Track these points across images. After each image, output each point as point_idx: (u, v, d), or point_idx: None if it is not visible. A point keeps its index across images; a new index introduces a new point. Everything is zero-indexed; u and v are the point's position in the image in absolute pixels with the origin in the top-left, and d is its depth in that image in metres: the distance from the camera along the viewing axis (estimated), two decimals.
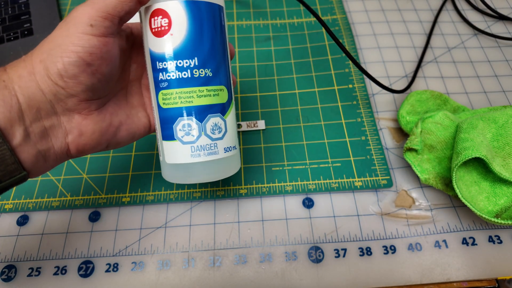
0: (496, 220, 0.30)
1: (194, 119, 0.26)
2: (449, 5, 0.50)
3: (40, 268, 0.31)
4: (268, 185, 0.35)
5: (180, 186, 0.35)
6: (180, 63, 0.25)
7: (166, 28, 0.24)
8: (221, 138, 0.27)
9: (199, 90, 0.26)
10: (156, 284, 0.31)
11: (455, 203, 0.35)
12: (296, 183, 0.35)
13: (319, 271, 0.31)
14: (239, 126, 0.39)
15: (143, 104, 0.29)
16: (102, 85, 0.24)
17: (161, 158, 0.28)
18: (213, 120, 0.26)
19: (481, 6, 0.50)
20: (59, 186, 0.35)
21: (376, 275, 0.31)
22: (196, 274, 0.31)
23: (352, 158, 0.37)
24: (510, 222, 0.29)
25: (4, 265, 0.31)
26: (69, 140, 0.24)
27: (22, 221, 0.33)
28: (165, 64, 0.25)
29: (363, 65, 0.44)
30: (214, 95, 0.26)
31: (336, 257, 0.32)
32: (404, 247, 0.32)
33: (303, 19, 0.48)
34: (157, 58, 0.25)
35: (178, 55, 0.25)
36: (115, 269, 0.31)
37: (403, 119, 0.37)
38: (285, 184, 0.35)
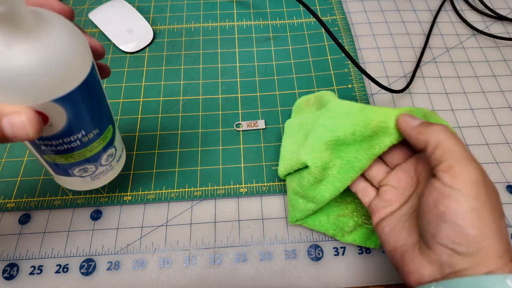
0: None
1: (89, 164, 0.27)
2: (448, 6, 0.50)
3: (42, 266, 0.31)
4: (268, 184, 0.35)
5: (181, 185, 0.35)
6: (65, 139, 0.23)
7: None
8: (114, 159, 0.29)
9: (91, 147, 0.25)
10: (157, 282, 0.31)
11: None
12: None
13: (318, 269, 0.31)
14: (239, 125, 0.39)
15: None
16: None
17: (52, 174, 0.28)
18: (107, 153, 0.27)
19: (480, 6, 0.50)
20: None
21: (375, 273, 0.31)
22: (197, 272, 0.31)
23: None
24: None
25: (6, 263, 0.31)
26: None
27: (24, 219, 0.34)
28: (47, 143, 0.23)
29: (362, 65, 0.44)
30: (104, 139, 0.26)
31: (335, 255, 0.32)
32: None
33: (302, 20, 0.48)
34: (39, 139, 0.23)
35: (60, 136, 0.23)
36: (116, 267, 0.31)
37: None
38: (285, 183, 0.35)
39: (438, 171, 0.23)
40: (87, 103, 0.23)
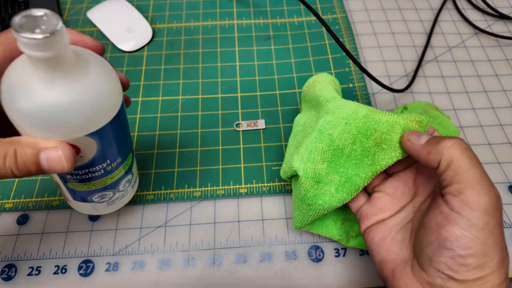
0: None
1: (107, 191, 0.27)
2: (449, 4, 0.50)
3: (40, 267, 0.31)
4: (268, 184, 0.35)
5: (180, 186, 0.35)
6: (91, 169, 0.24)
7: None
8: (130, 185, 0.29)
9: (112, 175, 0.26)
10: (156, 283, 0.31)
11: None
12: None
13: (319, 270, 0.31)
14: (239, 125, 0.39)
15: None
16: None
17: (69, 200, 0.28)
18: (125, 180, 0.28)
19: (482, 5, 0.50)
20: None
21: (376, 274, 0.31)
22: (196, 273, 0.31)
23: None
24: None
25: (4, 264, 0.31)
26: None
27: (22, 220, 0.33)
28: (73, 172, 0.24)
29: (363, 64, 0.44)
30: (125, 167, 0.27)
31: (336, 256, 0.32)
32: None
33: (303, 18, 0.48)
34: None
35: (88, 166, 0.23)
36: (115, 268, 0.31)
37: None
38: (285, 183, 0.35)
39: (447, 193, 0.21)
40: (116, 135, 0.23)
